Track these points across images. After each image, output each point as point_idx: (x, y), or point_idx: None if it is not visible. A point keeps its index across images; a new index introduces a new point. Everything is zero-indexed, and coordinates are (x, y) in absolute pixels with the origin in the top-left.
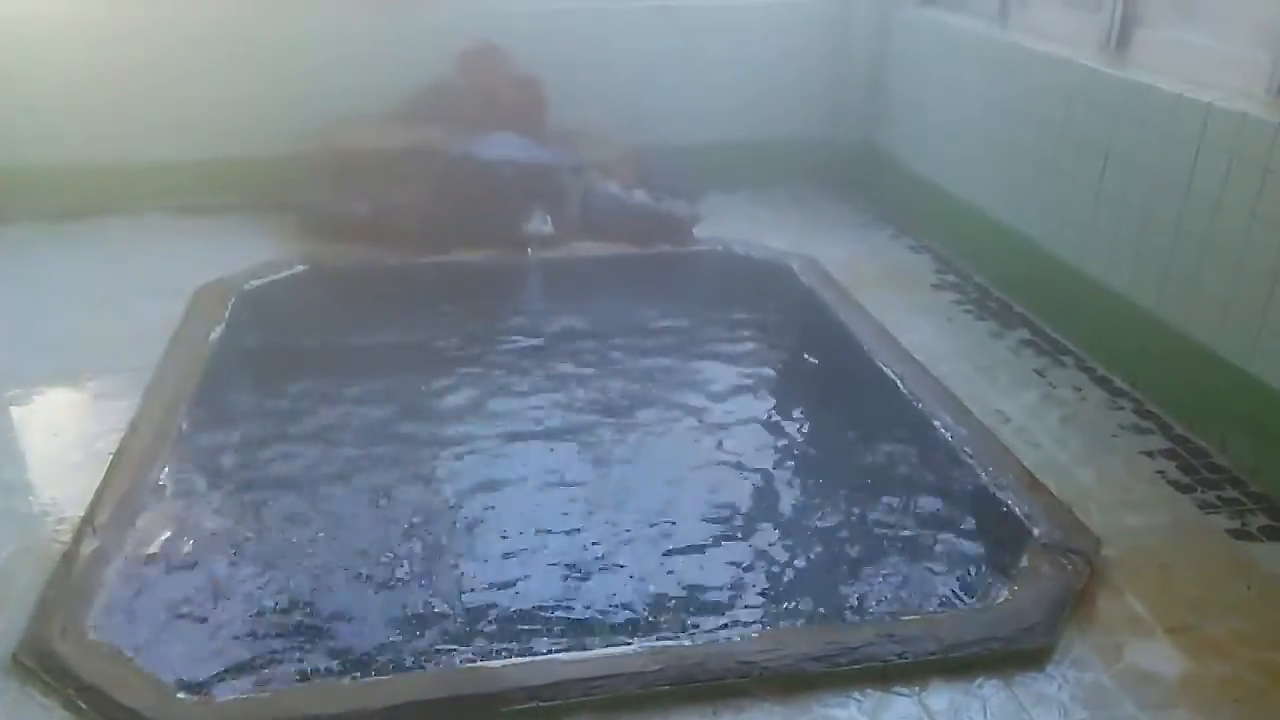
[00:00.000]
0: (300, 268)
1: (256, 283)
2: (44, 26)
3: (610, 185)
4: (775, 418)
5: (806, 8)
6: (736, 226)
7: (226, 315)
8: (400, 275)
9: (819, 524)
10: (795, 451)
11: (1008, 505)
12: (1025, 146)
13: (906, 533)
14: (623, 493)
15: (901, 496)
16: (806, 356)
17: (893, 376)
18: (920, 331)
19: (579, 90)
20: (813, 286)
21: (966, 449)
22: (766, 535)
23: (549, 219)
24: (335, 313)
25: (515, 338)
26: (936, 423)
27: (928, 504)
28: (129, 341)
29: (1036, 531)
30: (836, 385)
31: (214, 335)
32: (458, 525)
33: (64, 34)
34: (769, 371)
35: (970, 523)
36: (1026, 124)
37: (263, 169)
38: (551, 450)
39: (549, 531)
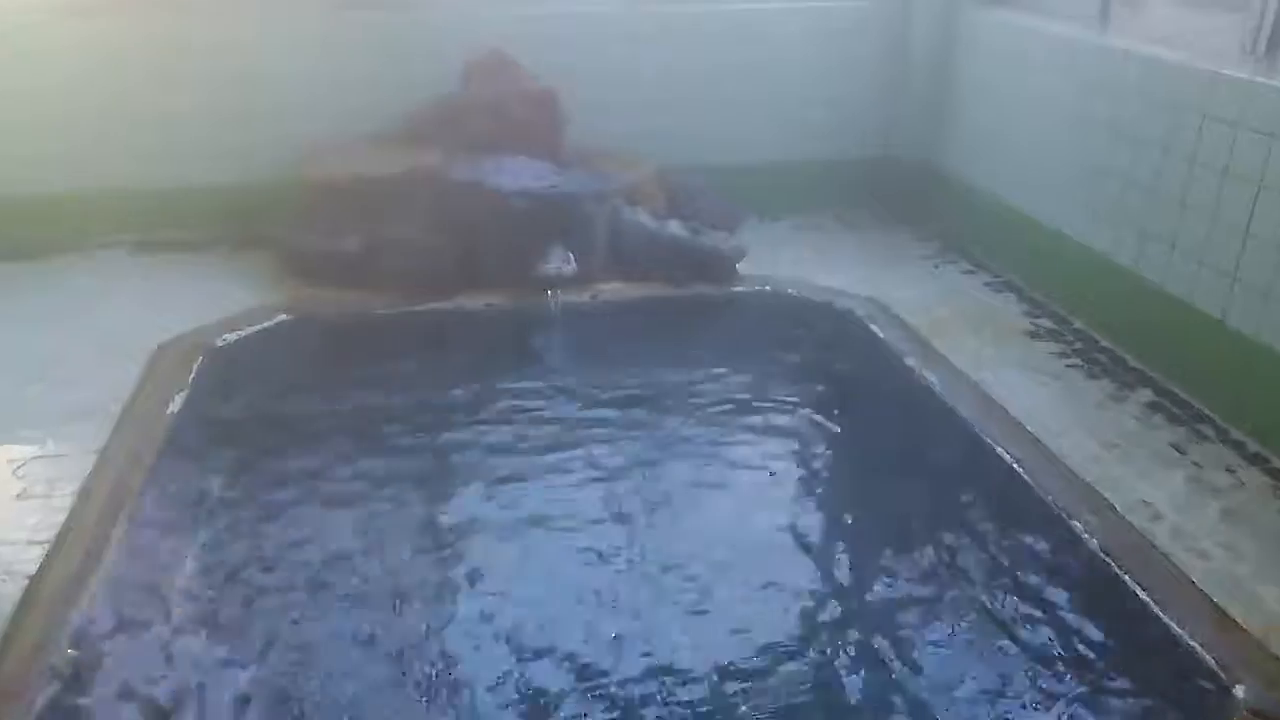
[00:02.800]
0: (280, 318)
1: (229, 338)
2: None
3: (640, 215)
4: (855, 511)
5: (858, 11)
6: (783, 260)
7: (190, 380)
8: (397, 325)
9: (933, 669)
10: (887, 561)
11: (1188, 646)
12: (1136, 169)
13: (1055, 684)
14: (660, 601)
15: (1042, 629)
16: (887, 427)
17: (1007, 458)
18: (1025, 394)
19: (602, 105)
20: (884, 336)
21: (1119, 562)
22: (856, 685)
23: (570, 256)
24: (321, 373)
25: (532, 400)
26: (1076, 524)
27: (1078, 639)
28: (67, 418)
29: (1239, 691)
30: (933, 468)
31: (173, 407)
32: (468, 668)
33: (10, 43)
34: (840, 446)
35: (1142, 671)
36: (1139, 143)
37: (238, 199)
38: (577, 539)
39: (579, 659)
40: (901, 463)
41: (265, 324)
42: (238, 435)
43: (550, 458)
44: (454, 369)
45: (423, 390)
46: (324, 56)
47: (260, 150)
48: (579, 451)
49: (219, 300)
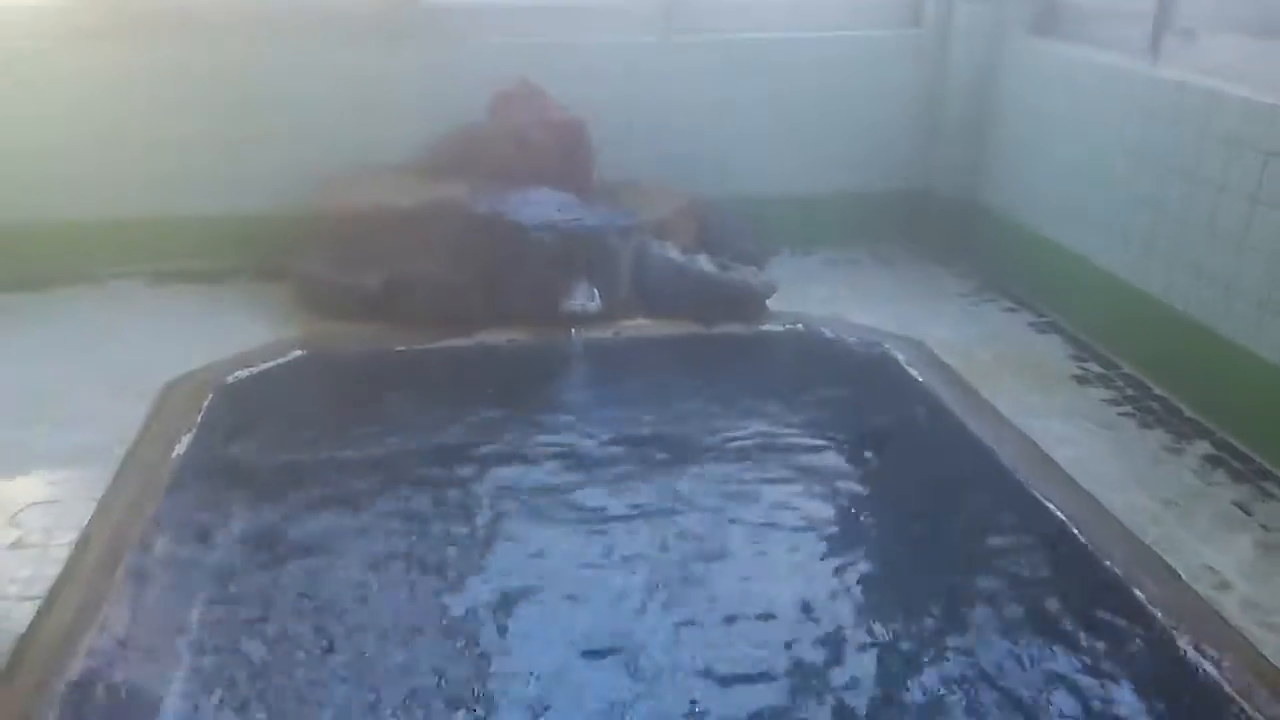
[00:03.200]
0: (295, 354)
1: (240, 375)
2: None
3: (668, 249)
4: (893, 571)
5: (896, 39)
6: (816, 297)
7: (198, 420)
8: (416, 362)
9: None
10: (929, 631)
11: None
12: (1191, 208)
13: None
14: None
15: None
16: (928, 479)
17: (1061, 515)
18: (1075, 444)
19: (630, 136)
20: (925, 380)
21: (1186, 637)
22: None
23: (594, 292)
24: (337, 412)
25: (554, 441)
26: (1139, 593)
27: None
28: (67, 461)
29: None
30: (977, 524)
31: (179, 450)
32: None
33: (15, 69)
34: (876, 497)
35: None
36: (1194, 180)
37: (256, 228)
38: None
39: None
40: (944, 518)
41: (279, 360)
42: (247, 480)
43: (573, 499)
44: (475, 407)
45: (441, 431)
46: (346, 83)
47: (279, 179)
48: (600, 496)
49: (232, 334)
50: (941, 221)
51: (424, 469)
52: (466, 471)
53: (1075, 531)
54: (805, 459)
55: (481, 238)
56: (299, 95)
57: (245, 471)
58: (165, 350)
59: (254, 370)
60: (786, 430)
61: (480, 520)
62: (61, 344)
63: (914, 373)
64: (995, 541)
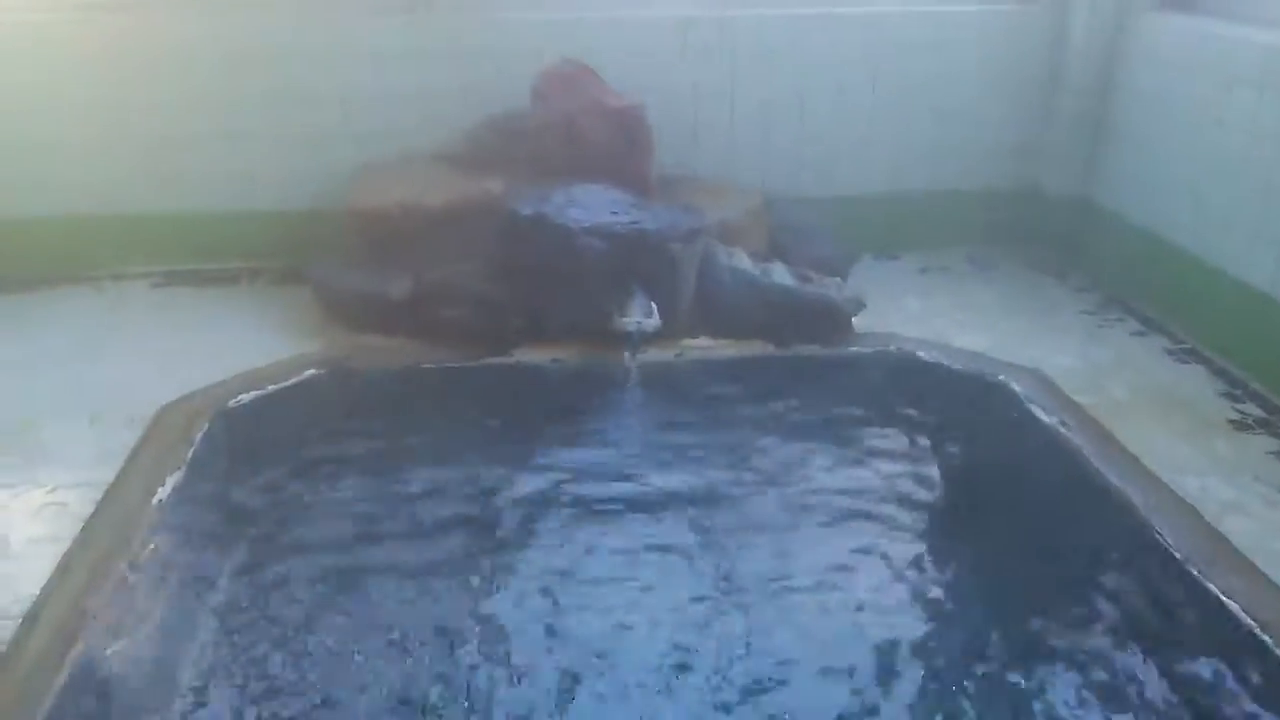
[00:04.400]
0: (309, 373)
1: (244, 399)
2: None
3: (737, 257)
4: (1023, 671)
5: (1003, 17)
6: (907, 312)
7: (190, 455)
8: (446, 383)
9: None
10: None
11: None
12: None
13: None
14: None
15: None
16: (1063, 550)
17: (1247, 620)
18: (1246, 514)
19: (693, 124)
20: (1050, 422)
21: None
22: None
23: (652, 306)
24: (353, 443)
25: (603, 485)
26: None
27: None
28: (28, 509)
29: None
30: (1129, 612)
31: (163, 492)
32: None
33: (22, 52)
34: (997, 574)
35: None
36: None
37: (274, 227)
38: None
39: None
40: (1084, 602)
41: (290, 380)
42: (242, 533)
43: (620, 556)
44: (511, 438)
45: (472, 469)
46: (372, 64)
47: (299, 172)
48: (654, 551)
49: (240, 347)
50: (1051, 224)
51: (451, 508)
52: (500, 522)
53: (1254, 628)
54: (899, 514)
55: (522, 242)
56: (321, 79)
57: (241, 521)
58: (163, 366)
59: (260, 393)
60: (879, 481)
61: (515, 587)
62: (47, 357)
63: (1037, 411)
64: (1150, 633)
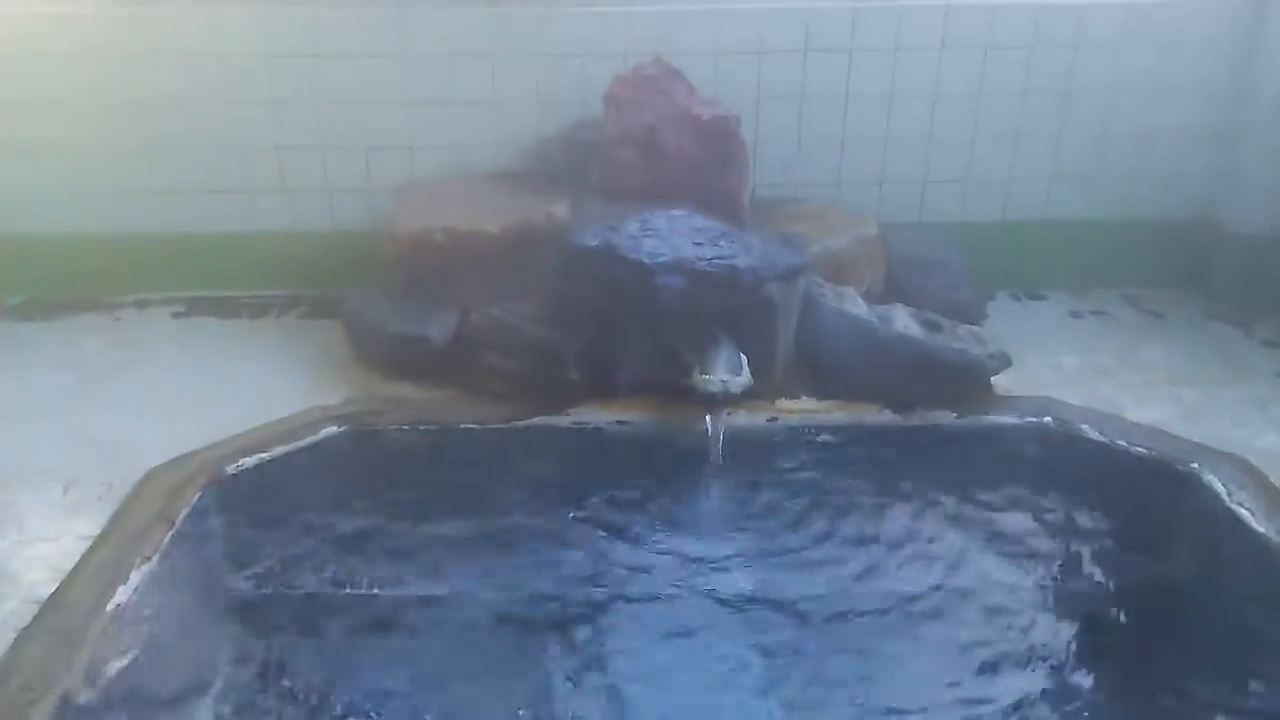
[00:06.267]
0: (329, 430)
1: (247, 463)
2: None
3: (848, 299)
4: None
5: (1184, 11)
6: (1062, 371)
7: (166, 540)
8: (491, 447)
9: None
10: None
11: None
12: None
13: None
14: None
15: None
16: None
17: None
18: None
19: (795, 135)
20: (1261, 530)
21: None
22: None
23: (742, 360)
24: (377, 523)
25: (673, 582)
26: None
27: None
28: None
29: None
30: None
31: (124, 592)
32: None
33: (30, 49)
34: None
35: None
36: None
37: (313, 251)
38: None
39: None
40: None
41: (304, 441)
42: (225, 645)
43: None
44: (562, 522)
45: (515, 560)
46: (422, 65)
47: (340, 188)
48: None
49: (254, 395)
50: (1230, 263)
51: (492, 613)
52: (547, 636)
53: None
54: (1068, 660)
55: (586, 278)
56: (363, 80)
57: (221, 636)
58: (163, 417)
59: (267, 456)
60: (1033, 600)
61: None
62: (37, 402)
63: (1243, 514)
64: None
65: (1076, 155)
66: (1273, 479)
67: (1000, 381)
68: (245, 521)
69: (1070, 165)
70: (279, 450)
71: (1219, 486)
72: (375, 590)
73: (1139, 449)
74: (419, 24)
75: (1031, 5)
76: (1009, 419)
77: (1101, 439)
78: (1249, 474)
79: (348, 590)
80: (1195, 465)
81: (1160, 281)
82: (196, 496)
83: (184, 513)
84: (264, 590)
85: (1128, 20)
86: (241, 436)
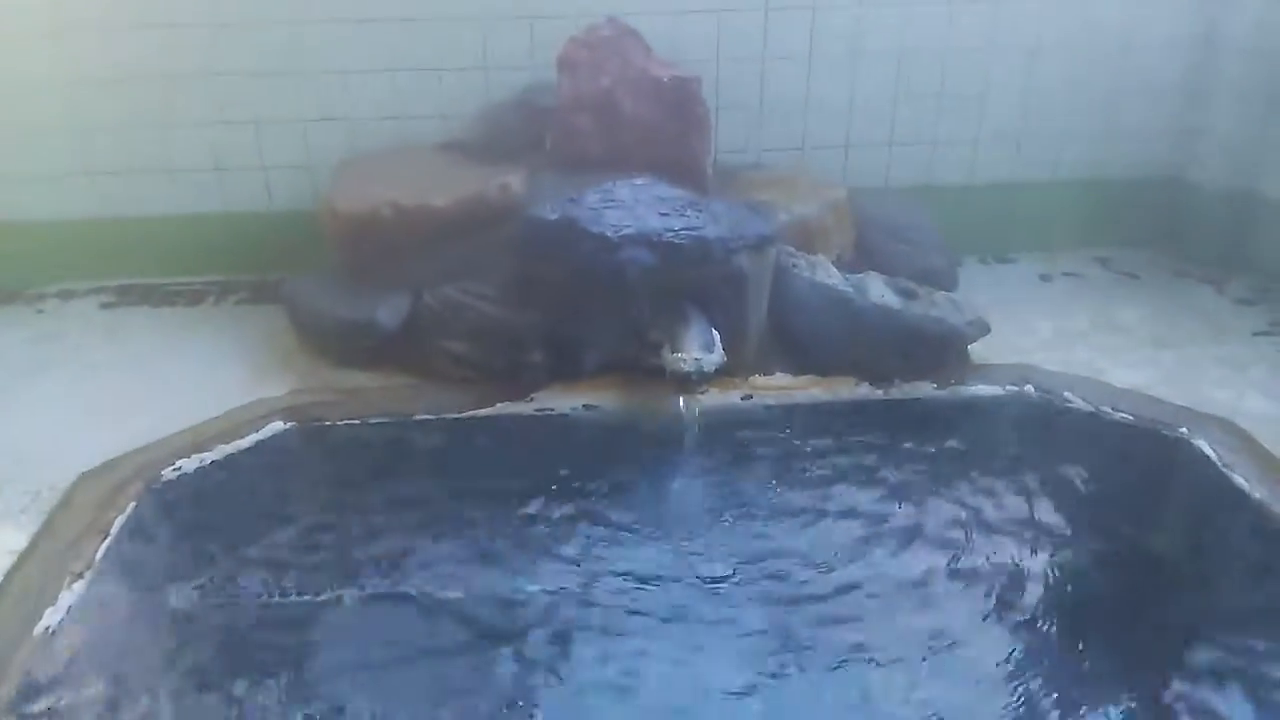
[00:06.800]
0: (274, 427)
1: (185, 465)
2: None
3: (821, 269)
4: None
5: None
6: (1037, 335)
7: (101, 551)
8: (446, 441)
9: None
10: None
11: None
12: None
13: None
14: None
15: None
16: None
17: None
18: None
19: (759, 99)
20: (1260, 497)
21: None
22: None
23: (714, 335)
24: (329, 527)
25: (646, 582)
26: None
27: None
28: None
29: None
30: None
31: (54, 615)
32: None
33: None
34: None
35: None
36: None
37: (249, 232)
38: None
39: None
40: None
41: (248, 438)
42: (179, 654)
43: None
44: (529, 518)
45: (477, 561)
46: (363, 27)
47: (278, 163)
48: (716, 678)
49: (193, 389)
50: (1200, 221)
51: (452, 622)
52: (515, 640)
53: None
54: (1074, 644)
55: (547, 254)
56: (296, 49)
57: (163, 657)
58: (94, 415)
59: (208, 457)
60: (1032, 587)
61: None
62: None
63: (1240, 482)
64: None
65: (1044, 114)
66: (1261, 443)
67: (976, 349)
68: (186, 530)
69: (1037, 124)
70: (221, 450)
71: (1209, 451)
72: (330, 596)
73: (1124, 415)
74: None
75: None
76: (990, 389)
77: (1086, 406)
78: (1238, 438)
79: (299, 599)
80: (1184, 430)
81: (1130, 241)
82: (132, 504)
83: (118, 522)
84: (209, 604)
85: None
86: (179, 436)
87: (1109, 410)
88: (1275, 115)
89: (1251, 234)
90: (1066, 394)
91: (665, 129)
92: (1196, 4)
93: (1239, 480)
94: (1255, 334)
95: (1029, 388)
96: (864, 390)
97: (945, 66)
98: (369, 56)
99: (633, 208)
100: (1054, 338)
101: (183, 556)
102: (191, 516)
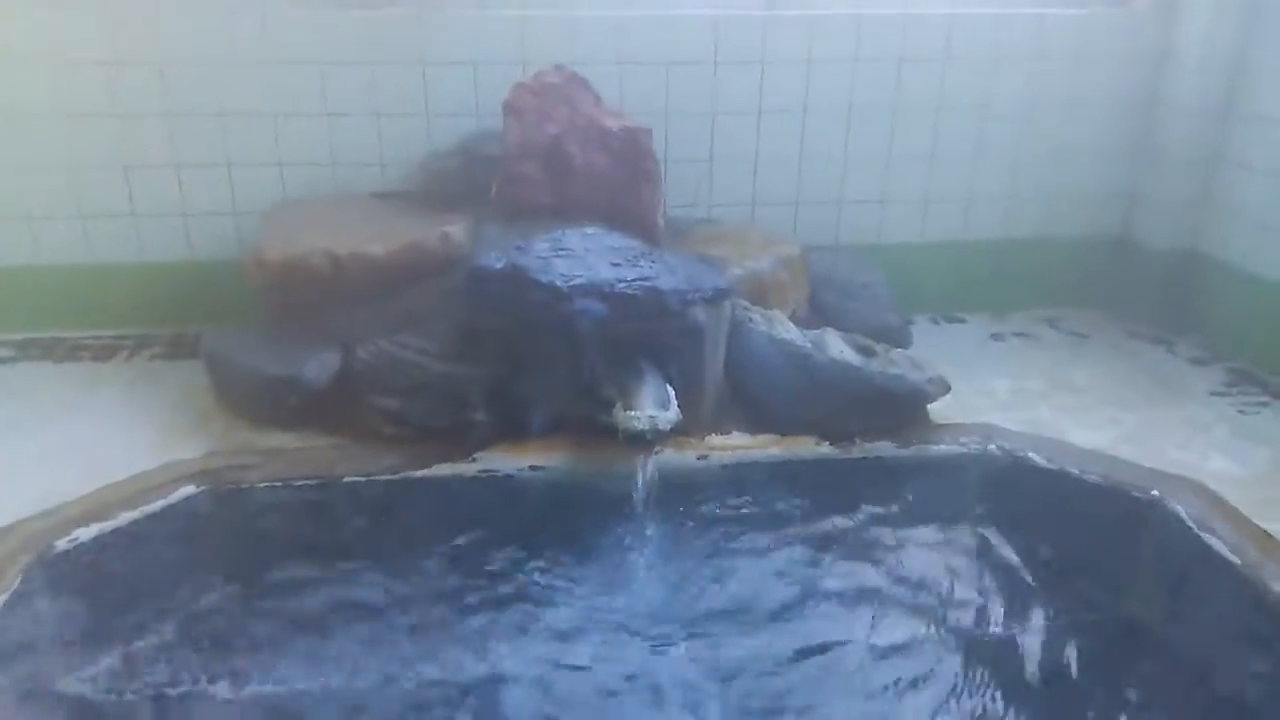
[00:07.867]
0: (185, 491)
1: (81, 535)
2: None
3: (779, 325)
4: None
5: (1093, 23)
6: (994, 395)
7: None
8: (378, 506)
9: None
10: None
11: None
12: None
13: None
14: None
15: None
16: None
17: None
18: None
19: (709, 152)
20: (1238, 562)
21: None
22: None
23: (669, 391)
24: (235, 612)
25: (597, 646)
26: None
27: None
28: None
29: None
30: None
31: None
32: None
33: None
34: None
35: None
36: None
37: (165, 284)
38: None
39: None
40: None
41: (155, 504)
42: None
43: None
44: (469, 592)
45: (408, 640)
46: (296, 71)
47: (199, 212)
48: None
49: (98, 450)
50: (1147, 281)
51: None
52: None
53: None
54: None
55: (491, 305)
56: (222, 89)
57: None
58: None
59: (109, 525)
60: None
61: None
62: None
63: (1217, 546)
64: None
65: (993, 173)
66: (1231, 503)
67: (935, 409)
68: (80, 608)
69: (987, 183)
70: (123, 517)
71: (1184, 514)
72: (244, 688)
73: (1094, 478)
74: (284, 27)
75: (943, 17)
76: (953, 448)
77: (1051, 466)
78: (1209, 500)
79: (208, 687)
80: (1156, 492)
81: (1078, 301)
82: (18, 579)
83: (1, 599)
84: (105, 695)
85: (1041, 33)
86: (77, 502)
87: (1076, 471)
88: (1216, 176)
89: (1197, 294)
90: (1032, 454)
91: (615, 179)
92: (1140, 65)
93: (1216, 545)
94: (1212, 394)
95: (993, 447)
96: (825, 450)
97: (895, 125)
98: (302, 98)
99: (583, 257)
100: (1011, 398)
101: (74, 639)
102: (87, 593)
